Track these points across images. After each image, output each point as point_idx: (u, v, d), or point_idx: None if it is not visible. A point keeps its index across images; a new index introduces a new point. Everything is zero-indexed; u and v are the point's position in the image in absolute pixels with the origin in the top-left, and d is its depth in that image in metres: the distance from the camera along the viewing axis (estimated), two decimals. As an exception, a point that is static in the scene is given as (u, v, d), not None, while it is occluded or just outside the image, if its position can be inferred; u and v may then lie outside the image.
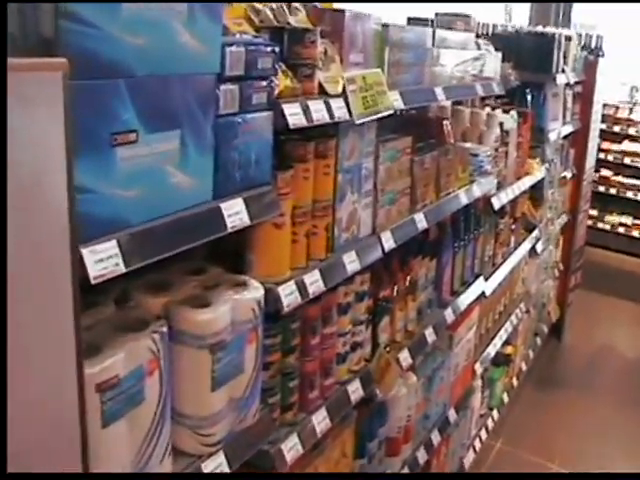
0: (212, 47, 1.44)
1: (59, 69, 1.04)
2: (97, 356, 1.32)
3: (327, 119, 1.83)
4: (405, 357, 2.59)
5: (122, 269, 1.26)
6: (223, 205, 1.53)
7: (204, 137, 1.47)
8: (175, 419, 1.58)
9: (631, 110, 8.31)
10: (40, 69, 1.02)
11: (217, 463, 1.63)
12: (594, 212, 7.94)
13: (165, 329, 1.48)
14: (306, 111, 1.74)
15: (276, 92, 1.65)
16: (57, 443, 1.16)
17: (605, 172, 8.34)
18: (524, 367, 4.79)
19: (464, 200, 2.91)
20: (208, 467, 1.61)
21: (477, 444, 3.84)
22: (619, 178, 8.32)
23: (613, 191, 8.35)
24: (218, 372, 1.60)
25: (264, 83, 1.61)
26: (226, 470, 1.64)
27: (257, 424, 1.78)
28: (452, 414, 3.34)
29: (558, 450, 4.16)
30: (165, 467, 1.53)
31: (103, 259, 1.23)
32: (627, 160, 8.26)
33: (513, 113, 3.66)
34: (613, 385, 5.11)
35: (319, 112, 1.79)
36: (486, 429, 4.00)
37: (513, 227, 3.96)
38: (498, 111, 3.58)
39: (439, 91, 2.52)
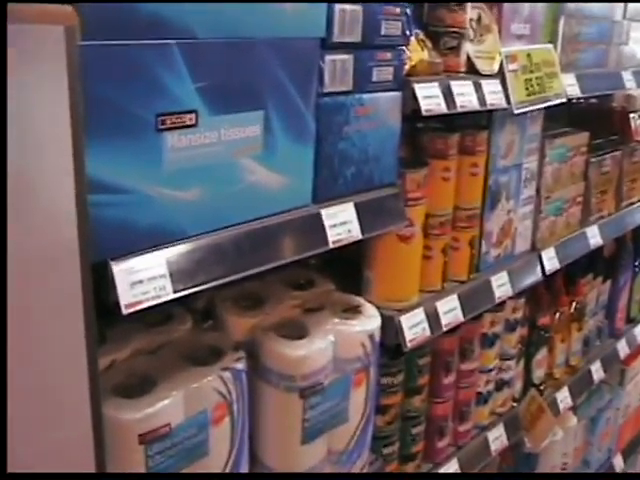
0: (313, 4, 1.08)
1: (61, 21, 0.72)
2: (146, 396, 1.07)
3: (476, 106, 1.46)
4: (564, 397, 2.28)
5: (169, 294, 0.95)
6: (325, 212, 1.19)
7: (300, 122, 1.12)
8: (259, 471, 1.31)
9: None
10: (31, 20, 0.70)
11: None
12: None
13: (241, 365, 1.17)
14: (447, 94, 1.38)
15: (407, 67, 1.33)
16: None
17: None
18: None
19: (652, 212, 2.50)
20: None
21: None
22: None
23: None
24: (312, 421, 1.28)
25: (389, 55, 1.27)
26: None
27: (364, 481, 1.46)
28: (618, 461, 2.96)
29: None
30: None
31: (143, 280, 0.92)
32: None
33: None
34: None
35: (465, 96, 1.42)
36: (662, 479, 3.44)
37: None
38: None
39: (628, 76, 2.07)
